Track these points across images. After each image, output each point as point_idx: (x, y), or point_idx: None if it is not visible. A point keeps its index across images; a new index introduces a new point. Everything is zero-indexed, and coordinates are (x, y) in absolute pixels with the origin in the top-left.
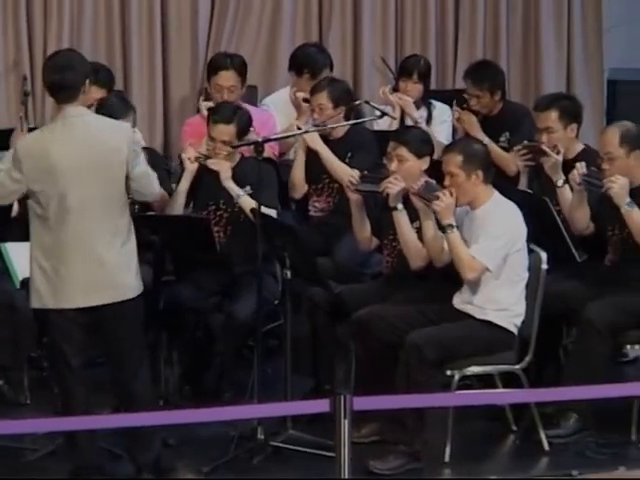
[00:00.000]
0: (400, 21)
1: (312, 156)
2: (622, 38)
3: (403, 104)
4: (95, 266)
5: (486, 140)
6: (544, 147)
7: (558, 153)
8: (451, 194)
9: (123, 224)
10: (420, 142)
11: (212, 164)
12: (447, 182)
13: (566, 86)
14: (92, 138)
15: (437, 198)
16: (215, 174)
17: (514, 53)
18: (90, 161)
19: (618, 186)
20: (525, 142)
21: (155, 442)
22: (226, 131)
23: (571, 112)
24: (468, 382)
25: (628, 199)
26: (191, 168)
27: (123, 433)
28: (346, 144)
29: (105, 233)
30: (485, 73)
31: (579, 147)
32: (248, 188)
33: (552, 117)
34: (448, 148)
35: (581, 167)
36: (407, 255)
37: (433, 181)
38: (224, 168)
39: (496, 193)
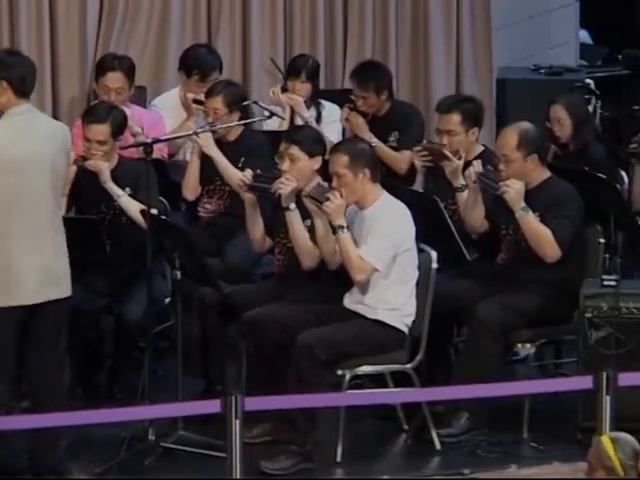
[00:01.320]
0: (289, 21)
1: (205, 158)
2: (510, 37)
3: (293, 104)
4: (46, 261)
5: (374, 140)
6: (446, 152)
7: (460, 158)
8: (341, 195)
9: (61, 222)
10: (312, 141)
11: (90, 165)
12: (335, 183)
13: (455, 85)
14: (42, 134)
15: (328, 199)
16: (94, 176)
17: (403, 53)
18: (44, 158)
19: (514, 191)
20: (425, 142)
21: (59, 444)
22: (100, 131)
23: (473, 116)
24: (359, 382)
25: (523, 204)
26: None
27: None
28: (240, 148)
29: (52, 229)
30: (370, 74)
31: (479, 149)
32: (128, 189)
33: (454, 120)
34: (334, 149)
35: (477, 165)
36: (299, 255)
37: (325, 183)
38: (102, 168)
39: (385, 193)
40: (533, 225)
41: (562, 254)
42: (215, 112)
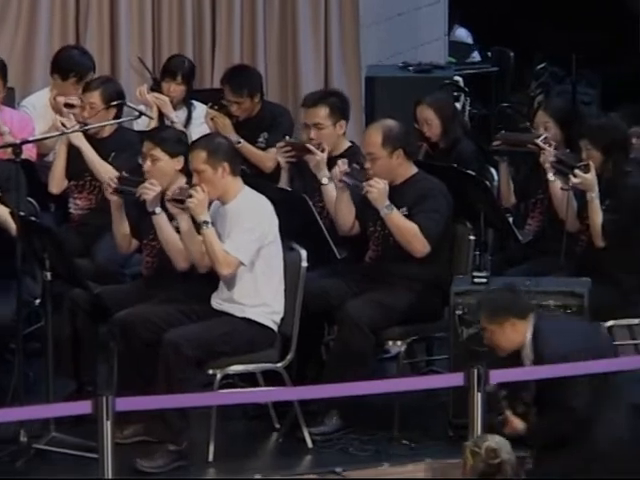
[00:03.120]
0: (157, 21)
1: (75, 152)
2: (380, 34)
3: (160, 104)
4: None
5: (240, 140)
6: (308, 145)
7: (323, 151)
8: (202, 190)
9: None
10: (173, 142)
11: None
12: (195, 180)
13: (324, 83)
14: None
15: (190, 196)
16: None
17: (271, 50)
18: None
19: (377, 191)
20: (288, 138)
21: None
22: None
23: (340, 109)
24: (231, 381)
25: (387, 202)
26: None
27: None
28: (110, 144)
29: None
30: (243, 79)
31: (346, 144)
32: None
33: (321, 113)
34: (192, 146)
35: (342, 164)
36: (172, 257)
37: (186, 186)
38: None
39: (246, 187)
40: (399, 222)
41: (432, 250)
42: (92, 107)
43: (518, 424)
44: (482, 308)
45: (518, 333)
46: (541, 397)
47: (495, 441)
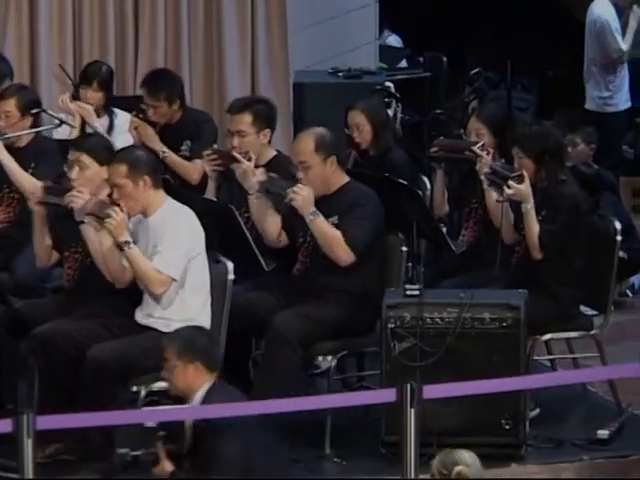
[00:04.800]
0: (78, 26)
1: None
2: (308, 39)
3: (83, 113)
4: None
5: (165, 150)
6: (235, 153)
7: (249, 160)
8: (122, 209)
9: None
10: (102, 149)
11: None
12: (115, 195)
13: (251, 90)
14: None
15: (109, 216)
16: None
17: (196, 56)
18: None
19: (301, 197)
20: (215, 146)
21: None
22: None
23: (265, 117)
24: (156, 398)
25: (312, 209)
26: None
27: None
28: (30, 153)
29: None
30: (161, 83)
31: (271, 153)
32: None
33: (245, 121)
34: (112, 159)
35: (260, 174)
36: (102, 270)
37: (107, 199)
38: None
39: (169, 199)
40: (323, 229)
41: (362, 261)
42: (7, 115)
43: (168, 466)
44: (175, 341)
45: (200, 380)
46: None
47: (465, 462)
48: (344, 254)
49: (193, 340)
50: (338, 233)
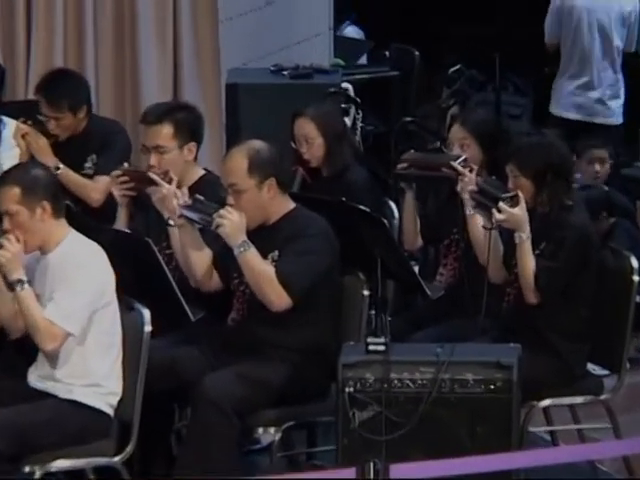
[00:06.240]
0: None
1: None
2: (244, 30)
3: None
4: None
5: (60, 166)
6: (151, 174)
7: (170, 182)
8: (17, 240)
9: None
10: None
11: None
12: (7, 225)
13: (172, 93)
14: None
15: (0, 247)
16: None
17: (104, 55)
18: None
19: (230, 223)
20: (125, 165)
21: None
22: None
23: (189, 127)
24: (54, 479)
25: (242, 238)
26: None
27: None
28: None
29: None
30: (63, 88)
31: (198, 173)
32: None
33: (164, 133)
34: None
35: (181, 197)
36: None
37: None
38: None
39: (72, 231)
40: (253, 264)
41: (310, 307)
42: None
43: None
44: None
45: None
46: None
47: None
48: (276, 297)
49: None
50: (270, 269)
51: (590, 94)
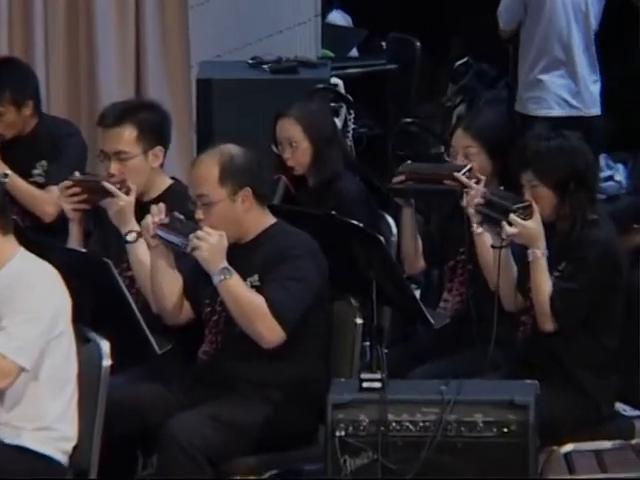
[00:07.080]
0: None
1: None
2: (218, 17)
3: None
4: None
5: (7, 173)
6: (107, 185)
7: (128, 193)
8: None
9: None
10: None
11: None
12: None
13: (135, 90)
14: None
15: None
16: None
17: (55, 46)
18: None
19: (207, 247)
20: (77, 174)
21: None
22: None
23: (154, 130)
24: None
25: (223, 264)
26: None
27: None
28: None
29: None
30: (6, 78)
31: (165, 182)
32: None
33: (125, 136)
34: None
35: (156, 213)
36: None
37: None
38: None
39: (21, 250)
40: (237, 293)
41: (293, 339)
42: None
43: None
44: None
45: None
46: None
47: None
48: (267, 331)
49: None
50: (260, 299)
51: (572, 84)
